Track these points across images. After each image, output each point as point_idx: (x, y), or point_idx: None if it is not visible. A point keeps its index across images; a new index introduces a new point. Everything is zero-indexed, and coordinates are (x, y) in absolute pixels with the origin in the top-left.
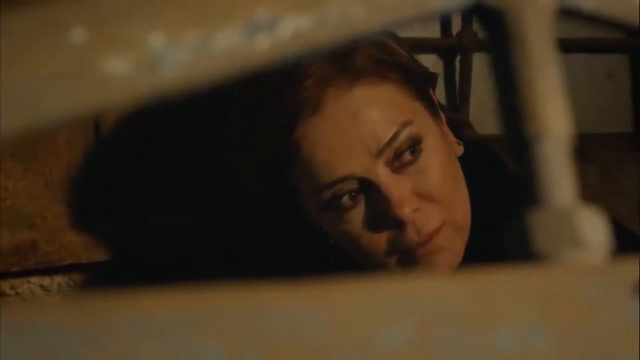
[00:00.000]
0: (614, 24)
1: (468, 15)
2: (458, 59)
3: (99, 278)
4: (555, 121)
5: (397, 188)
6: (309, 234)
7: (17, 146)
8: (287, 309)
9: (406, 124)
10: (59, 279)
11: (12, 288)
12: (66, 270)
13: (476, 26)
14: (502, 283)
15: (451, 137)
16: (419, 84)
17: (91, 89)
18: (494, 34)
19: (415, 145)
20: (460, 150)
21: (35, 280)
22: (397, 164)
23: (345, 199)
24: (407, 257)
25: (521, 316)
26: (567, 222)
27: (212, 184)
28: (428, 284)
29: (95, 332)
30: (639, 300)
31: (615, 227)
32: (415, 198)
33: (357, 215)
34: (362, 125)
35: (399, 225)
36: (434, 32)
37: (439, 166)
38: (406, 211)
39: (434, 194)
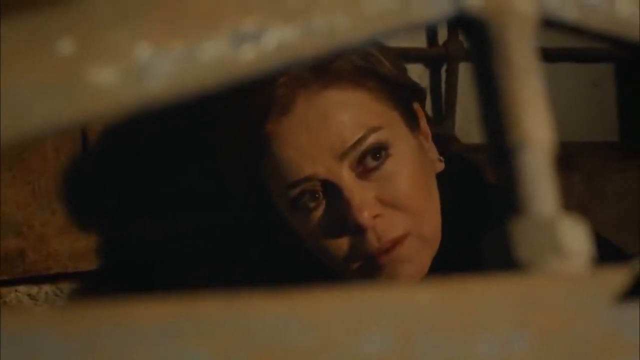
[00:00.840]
0: (595, 35)
1: (453, 25)
2: (444, 68)
3: (86, 286)
4: (537, 130)
5: (359, 192)
6: (293, 237)
7: (4, 154)
8: (273, 316)
9: (374, 129)
10: (46, 288)
11: None
12: (53, 278)
13: (462, 36)
14: (483, 291)
15: (432, 153)
16: (398, 95)
17: (77, 98)
18: (477, 44)
19: (380, 151)
20: (440, 166)
21: (23, 289)
22: (362, 168)
23: (309, 198)
24: (369, 264)
25: (502, 323)
26: (548, 231)
27: (200, 189)
28: (409, 292)
29: (84, 340)
30: (620, 308)
31: (594, 238)
32: (378, 204)
33: (319, 217)
34: (329, 126)
35: (359, 229)
36: (420, 41)
37: (407, 174)
38: (365, 215)
39: (399, 201)
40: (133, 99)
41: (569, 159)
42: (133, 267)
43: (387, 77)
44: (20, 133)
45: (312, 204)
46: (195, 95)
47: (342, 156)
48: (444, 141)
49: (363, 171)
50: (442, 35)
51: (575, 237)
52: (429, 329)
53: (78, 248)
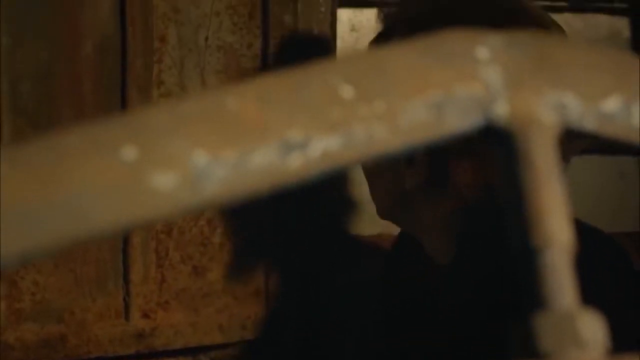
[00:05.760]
0: (614, 142)
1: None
2: None
3: None
4: (558, 232)
5: None
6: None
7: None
8: None
9: None
10: None
11: None
12: None
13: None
14: None
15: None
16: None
17: (140, 202)
18: (504, 151)
19: None
20: None
21: None
22: None
23: None
24: None
25: None
26: (568, 324)
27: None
28: None
29: None
30: None
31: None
32: None
33: None
34: None
35: None
36: None
37: None
38: None
39: None
40: (190, 202)
41: None
42: (168, 352)
43: None
44: (85, 233)
45: None
46: (246, 200)
47: None
48: None
49: None
50: None
51: (593, 330)
52: None
53: (117, 334)
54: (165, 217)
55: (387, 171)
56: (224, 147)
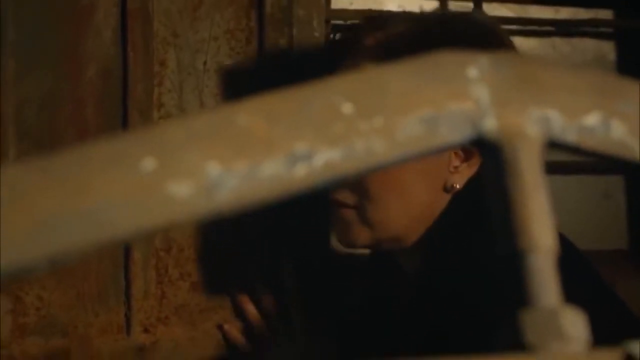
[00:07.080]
0: (593, 155)
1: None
2: None
3: None
4: (542, 237)
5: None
6: None
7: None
8: None
9: None
10: None
11: None
12: None
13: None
14: None
15: (439, 169)
16: None
17: (158, 209)
18: (492, 162)
19: None
20: (453, 179)
21: None
22: None
23: None
24: None
25: None
26: (552, 320)
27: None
28: None
29: None
30: None
31: None
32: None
33: None
34: None
35: None
36: None
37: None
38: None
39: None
40: (204, 210)
41: None
42: None
43: None
44: (108, 239)
45: None
46: (256, 207)
47: None
48: None
49: None
50: None
51: (575, 325)
52: None
53: (119, 348)
54: (181, 223)
55: None
56: (235, 159)
